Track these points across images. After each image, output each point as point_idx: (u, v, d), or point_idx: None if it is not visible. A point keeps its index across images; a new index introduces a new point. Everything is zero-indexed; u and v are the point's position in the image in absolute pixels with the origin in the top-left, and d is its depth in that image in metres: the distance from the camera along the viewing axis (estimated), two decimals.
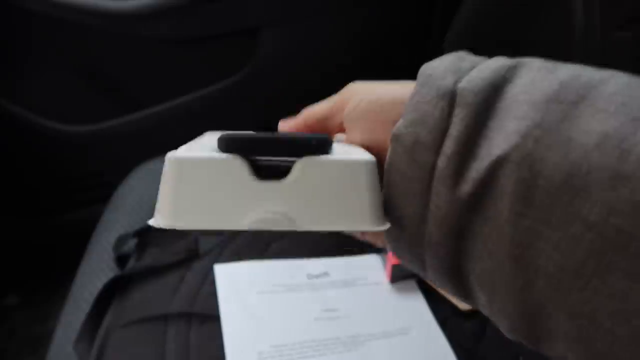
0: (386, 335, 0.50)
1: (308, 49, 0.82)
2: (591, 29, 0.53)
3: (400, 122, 0.22)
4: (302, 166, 0.22)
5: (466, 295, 0.22)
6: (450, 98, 0.21)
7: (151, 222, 0.23)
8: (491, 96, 0.20)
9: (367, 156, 0.22)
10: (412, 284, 0.55)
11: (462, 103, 0.20)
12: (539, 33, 0.58)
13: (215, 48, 0.82)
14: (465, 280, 0.21)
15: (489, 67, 0.21)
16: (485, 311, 0.21)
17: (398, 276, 0.55)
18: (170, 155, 0.22)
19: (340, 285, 0.55)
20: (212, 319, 0.52)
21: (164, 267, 0.56)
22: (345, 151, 0.24)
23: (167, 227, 0.22)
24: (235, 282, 0.55)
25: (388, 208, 0.22)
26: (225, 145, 0.22)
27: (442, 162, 0.20)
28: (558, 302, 0.18)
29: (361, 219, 0.22)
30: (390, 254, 0.55)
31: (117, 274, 0.56)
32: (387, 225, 0.22)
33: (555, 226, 0.18)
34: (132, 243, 0.60)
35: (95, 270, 0.59)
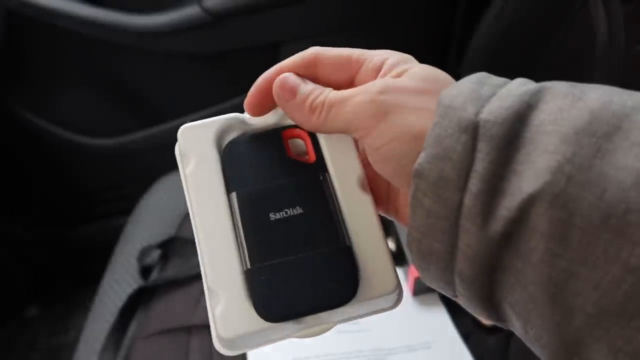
0: (409, 350, 0.50)
1: None
2: (614, 44, 0.53)
3: (422, 157, 0.20)
4: (336, 320, 0.24)
5: (501, 321, 0.22)
6: (473, 130, 0.19)
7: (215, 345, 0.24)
8: (516, 127, 0.19)
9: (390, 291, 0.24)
10: (435, 297, 0.55)
11: (485, 136, 0.19)
12: (560, 47, 0.58)
13: (236, 63, 0.83)
14: (498, 308, 0.21)
15: (511, 93, 0.20)
16: (521, 337, 0.21)
17: (421, 289, 0.55)
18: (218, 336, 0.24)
19: None
20: None
21: (187, 279, 0.57)
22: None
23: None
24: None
25: (414, 244, 0.21)
26: (271, 317, 0.23)
27: (469, 200, 0.19)
28: (598, 337, 0.18)
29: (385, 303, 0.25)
30: (412, 267, 0.55)
31: (141, 285, 0.56)
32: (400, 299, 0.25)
33: (594, 267, 0.17)
34: (155, 254, 0.61)
35: (119, 281, 0.60)
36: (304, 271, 0.23)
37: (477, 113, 0.20)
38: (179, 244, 0.61)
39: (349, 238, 0.24)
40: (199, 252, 0.25)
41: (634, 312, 0.16)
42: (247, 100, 0.26)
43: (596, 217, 0.17)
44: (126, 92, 0.88)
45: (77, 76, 0.86)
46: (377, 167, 0.23)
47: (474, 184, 0.19)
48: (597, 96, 0.19)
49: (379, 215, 0.25)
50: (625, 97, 0.19)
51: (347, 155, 0.25)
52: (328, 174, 0.26)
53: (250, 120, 0.27)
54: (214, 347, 0.51)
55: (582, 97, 0.19)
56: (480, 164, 0.19)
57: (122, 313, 0.54)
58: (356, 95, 0.23)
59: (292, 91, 0.24)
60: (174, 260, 0.60)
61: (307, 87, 0.24)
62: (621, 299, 0.17)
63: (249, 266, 0.24)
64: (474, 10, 0.73)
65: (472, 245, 0.19)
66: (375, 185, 0.26)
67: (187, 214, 0.66)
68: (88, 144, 0.91)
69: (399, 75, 0.23)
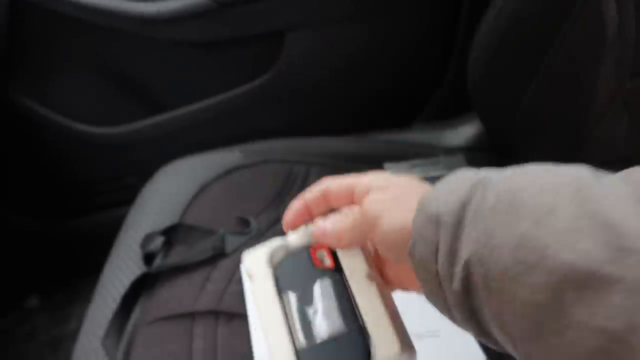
0: (418, 338, 0.49)
1: (334, 53, 0.82)
2: (624, 35, 0.52)
3: (411, 242, 0.29)
4: None
5: (496, 346, 0.28)
6: (436, 221, 0.28)
7: None
8: (461, 214, 0.27)
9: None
10: None
11: (443, 223, 0.27)
12: (563, 44, 0.57)
13: (242, 51, 0.82)
14: (491, 338, 0.28)
15: (458, 189, 0.28)
16: (515, 356, 0.27)
17: None
18: None
19: None
20: (239, 317, 0.52)
21: (190, 265, 0.56)
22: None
23: None
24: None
25: (427, 298, 0.30)
26: None
27: (440, 268, 0.27)
28: (534, 351, 0.25)
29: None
30: None
31: (144, 272, 0.56)
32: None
33: (508, 304, 0.24)
34: (159, 241, 0.60)
35: (122, 267, 0.59)
36: (328, 345, 0.34)
37: (438, 206, 0.28)
38: (182, 231, 0.60)
39: (361, 318, 0.34)
40: (261, 336, 0.37)
41: (538, 333, 0.24)
42: (285, 221, 0.38)
43: (501, 270, 0.24)
44: (129, 80, 0.87)
45: (79, 63, 0.86)
46: (383, 254, 0.34)
47: (440, 256, 0.27)
48: (504, 184, 0.26)
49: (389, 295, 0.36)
50: (526, 181, 0.26)
51: (355, 259, 0.36)
52: (344, 274, 0.37)
53: (289, 237, 0.38)
54: (218, 334, 0.51)
55: (497, 184, 0.26)
56: (442, 245, 0.27)
57: (124, 300, 0.53)
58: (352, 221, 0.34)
59: (322, 230, 0.36)
60: (178, 247, 0.59)
61: (327, 226, 0.35)
62: (527, 325, 0.24)
63: (302, 345, 0.34)
64: (477, 9, 0.72)
65: (450, 297, 0.27)
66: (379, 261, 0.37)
67: (191, 201, 0.66)
68: (89, 132, 0.90)
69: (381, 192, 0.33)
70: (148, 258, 0.59)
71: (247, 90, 0.84)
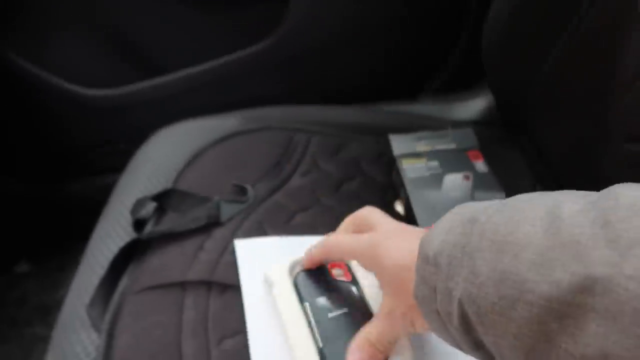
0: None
1: (339, 18, 0.78)
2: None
3: (414, 284, 0.32)
4: None
5: None
6: (433, 263, 0.30)
7: None
8: (454, 254, 0.28)
9: None
10: None
11: (439, 264, 0.29)
12: (588, 13, 0.53)
13: (244, 12, 0.78)
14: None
15: (452, 229, 0.29)
16: None
17: None
18: None
19: None
20: (232, 288, 0.49)
21: (183, 233, 0.53)
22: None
23: None
24: (256, 257, 0.52)
25: (437, 334, 0.32)
26: None
27: (439, 307, 0.29)
28: None
29: None
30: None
31: (134, 238, 0.53)
32: None
33: (502, 337, 0.26)
34: (150, 207, 0.57)
35: (111, 233, 0.56)
36: (348, 346, 0.38)
37: (433, 249, 0.30)
38: (175, 197, 0.57)
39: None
40: (287, 339, 0.42)
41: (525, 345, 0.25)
42: (304, 266, 0.45)
43: (489, 306, 0.26)
44: (124, 41, 0.83)
45: (72, 21, 0.82)
46: (382, 286, 0.38)
47: (438, 297, 0.29)
48: (488, 222, 0.28)
49: None
50: (509, 220, 0.27)
51: (369, 273, 0.39)
52: (359, 285, 0.43)
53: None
54: (210, 305, 0.48)
55: (481, 222, 0.28)
56: (439, 285, 0.29)
57: (112, 266, 0.51)
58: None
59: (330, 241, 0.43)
60: (170, 214, 0.56)
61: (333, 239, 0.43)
62: (523, 357, 0.25)
63: (320, 345, 0.40)
64: None
65: (455, 335, 0.29)
66: None
67: (186, 167, 0.63)
68: (83, 94, 0.86)
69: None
70: (138, 224, 0.56)
71: (248, 54, 0.80)
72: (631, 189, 0.24)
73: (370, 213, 0.42)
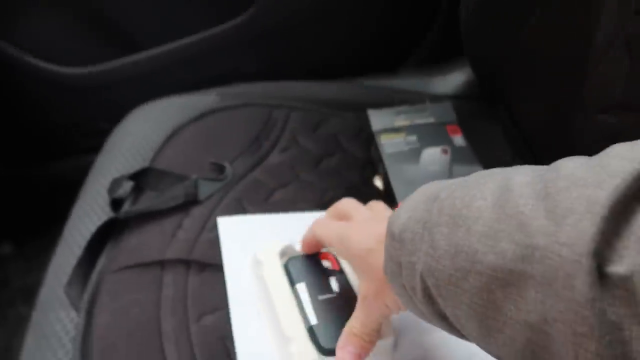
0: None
1: None
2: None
3: (384, 261, 0.32)
4: None
5: (461, 336, 0.31)
6: (399, 239, 0.30)
7: None
8: (416, 230, 0.29)
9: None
10: None
11: (403, 240, 0.30)
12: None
13: None
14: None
15: (417, 207, 0.30)
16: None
17: None
18: None
19: None
20: (212, 267, 0.49)
21: (161, 212, 0.53)
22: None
23: None
24: (238, 234, 0.52)
25: (410, 310, 0.33)
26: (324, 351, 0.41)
27: (405, 282, 0.31)
28: (489, 348, 0.27)
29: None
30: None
31: (111, 217, 0.53)
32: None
33: (459, 308, 0.27)
34: (127, 186, 0.57)
35: (89, 213, 0.56)
36: (337, 325, 0.40)
37: (398, 226, 0.31)
38: (153, 176, 0.57)
39: None
40: (275, 318, 0.43)
41: (487, 333, 0.26)
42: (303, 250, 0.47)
43: (446, 278, 0.27)
44: (99, 17, 0.81)
45: None
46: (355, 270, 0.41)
47: (403, 272, 0.30)
48: (447, 197, 0.29)
49: None
50: (470, 193, 0.28)
51: None
52: (346, 275, 0.46)
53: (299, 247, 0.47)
54: (189, 282, 0.48)
55: (441, 199, 0.29)
56: (403, 259, 0.30)
57: (89, 246, 0.51)
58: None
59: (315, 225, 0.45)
60: (148, 193, 0.56)
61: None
62: (477, 325, 0.26)
63: (311, 324, 0.41)
64: None
65: (419, 307, 0.31)
66: None
67: (163, 145, 0.62)
68: (59, 72, 0.84)
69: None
70: (116, 203, 0.55)
71: (225, 29, 0.79)
72: (573, 161, 0.25)
73: (347, 204, 0.44)
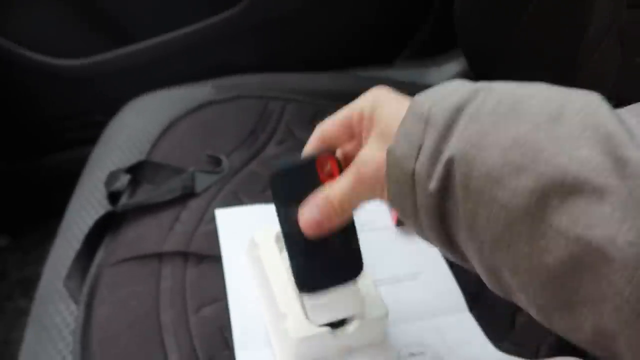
0: (396, 280, 0.48)
1: None
2: None
3: (393, 139, 0.28)
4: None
5: (465, 262, 0.29)
6: (425, 120, 0.27)
7: None
8: (453, 116, 0.26)
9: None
10: None
11: (432, 123, 0.27)
12: None
13: None
14: (458, 250, 0.28)
15: (457, 92, 0.27)
16: (478, 271, 0.28)
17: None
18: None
19: None
20: (209, 259, 0.49)
21: (158, 205, 0.53)
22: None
23: None
24: (236, 226, 0.52)
25: (392, 202, 0.30)
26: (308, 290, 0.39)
27: (418, 166, 0.27)
28: (500, 261, 0.25)
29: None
30: None
31: (108, 210, 0.53)
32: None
33: (485, 206, 0.24)
34: (124, 179, 0.57)
35: (86, 206, 0.56)
36: (334, 264, 0.38)
37: (430, 107, 0.27)
38: (149, 169, 0.57)
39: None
40: (274, 297, 0.42)
41: (509, 239, 0.24)
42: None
43: (485, 171, 0.24)
44: (93, 8, 0.81)
45: None
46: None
47: (422, 155, 0.27)
48: (506, 89, 0.26)
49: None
50: (525, 88, 0.26)
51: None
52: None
53: None
54: (187, 275, 0.49)
55: (496, 89, 0.27)
56: (427, 142, 0.27)
57: (87, 239, 0.51)
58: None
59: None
60: (145, 186, 0.56)
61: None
62: (500, 229, 0.24)
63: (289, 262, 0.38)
64: None
65: (422, 201, 0.27)
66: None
67: (159, 137, 0.62)
68: (53, 64, 0.84)
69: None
70: (113, 197, 0.56)
71: (220, 21, 0.79)
72: None
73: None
